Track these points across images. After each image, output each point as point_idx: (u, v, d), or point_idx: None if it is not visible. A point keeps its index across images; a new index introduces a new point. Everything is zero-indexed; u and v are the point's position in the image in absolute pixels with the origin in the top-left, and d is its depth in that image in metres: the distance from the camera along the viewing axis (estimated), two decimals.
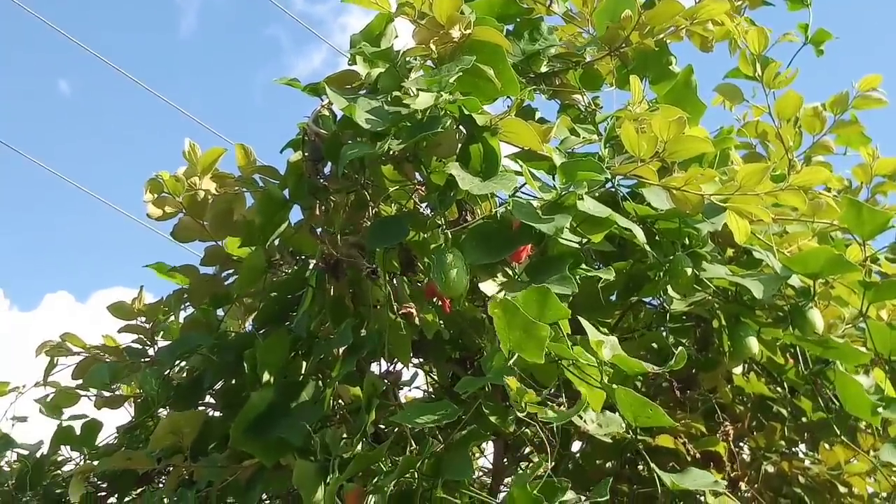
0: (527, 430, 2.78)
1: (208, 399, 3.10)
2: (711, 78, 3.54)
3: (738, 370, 3.25)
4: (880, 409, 2.79)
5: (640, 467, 3.33)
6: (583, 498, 2.35)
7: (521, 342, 2.21)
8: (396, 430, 2.70)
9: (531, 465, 2.52)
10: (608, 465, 3.38)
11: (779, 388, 3.35)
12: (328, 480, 2.41)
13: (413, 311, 2.65)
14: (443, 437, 2.54)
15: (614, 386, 2.32)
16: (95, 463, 3.02)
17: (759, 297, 2.74)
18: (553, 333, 2.36)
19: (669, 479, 2.57)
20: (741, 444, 3.40)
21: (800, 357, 3.12)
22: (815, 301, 2.86)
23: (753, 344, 2.87)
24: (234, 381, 3.01)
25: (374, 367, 2.81)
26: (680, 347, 2.46)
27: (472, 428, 2.45)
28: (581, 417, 2.63)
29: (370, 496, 2.42)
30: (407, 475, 2.39)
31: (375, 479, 2.40)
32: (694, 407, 3.32)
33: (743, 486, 3.12)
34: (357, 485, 2.43)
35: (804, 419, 3.39)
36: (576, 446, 3.28)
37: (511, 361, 2.24)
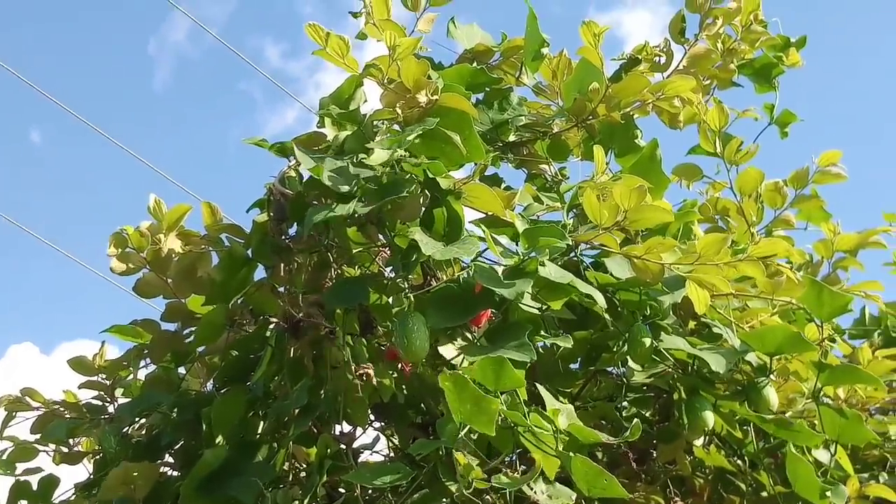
0: (487, 496, 2.77)
1: (168, 458, 3.08)
2: (678, 152, 3.59)
3: (698, 442, 3.25)
4: (828, 493, 2.81)
5: None
6: None
7: (471, 415, 2.22)
8: (350, 492, 2.68)
9: None
10: None
11: (739, 462, 3.36)
12: None
13: (370, 371, 2.66)
14: (397, 501, 2.53)
15: (571, 454, 2.32)
16: None
17: (717, 370, 2.76)
18: (510, 400, 2.38)
19: None
20: None
21: (759, 431, 3.13)
22: (771, 378, 2.89)
23: (709, 418, 2.89)
24: (192, 441, 2.99)
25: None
26: (635, 420, 2.47)
27: (424, 492, 2.44)
28: (531, 488, 2.64)
29: None
30: None
31: None
32: (655, 478, 3.32)
33: None
34: None
35: (764, 493, 3.39)
36: None
37: (463, 433, 2.25)
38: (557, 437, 2.34)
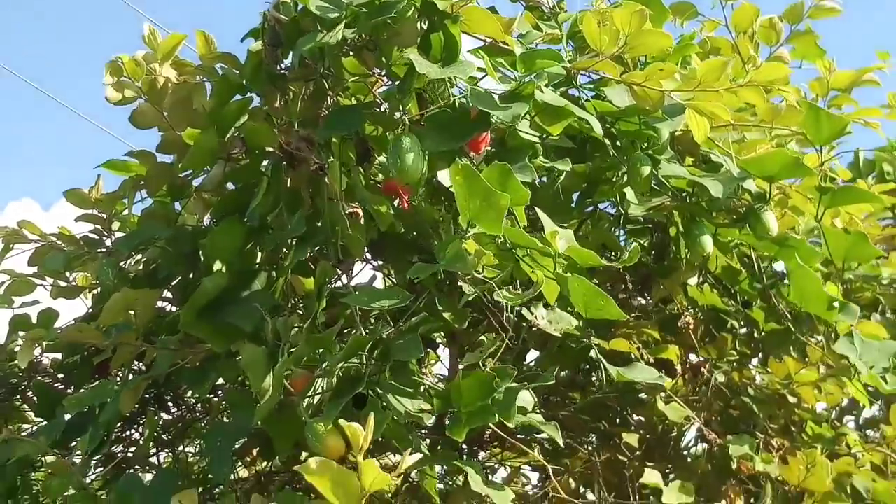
0: (483, 337, 2.78)
1: (167, 294, 3.09)
2: None
3: (692, 281, 3.27)
4: (836, 304, 2.82)
5: (594, 377, 3.36)
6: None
7: (480, 212, 2.22)
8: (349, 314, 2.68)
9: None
10: (564, 374, 3.39)
11: (732, 301, 3.38)
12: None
13: (360, 211, 2.63)
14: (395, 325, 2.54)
15: (567, 274, 2.33)
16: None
17: (716, 195, 2.75)
18: (509, 224, 2.38)
19: (615, 371, 2.60)
20: (692, 354, 3.42)
21: (755, 266, 3.14)
22: (770, 203, 2.88)
23: (708, 242, 2.89)
24: (191, 275, 2.99)
25: None
26: (634, 244, 2.47)
27: (423, 315, 2.46)
28: (532, 313, 2.66)
29: (318, 380, 2.42)
30: (355, 360, 2.40)
31: (324, 364, 2.40)
32: (648, 316, 3.34)
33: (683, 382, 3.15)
34: (304, 369, 2.44)
35: (756, 333, 3.42)
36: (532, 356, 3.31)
37: (471, 233, 2.24)
38: (556, 259, 2.34)
